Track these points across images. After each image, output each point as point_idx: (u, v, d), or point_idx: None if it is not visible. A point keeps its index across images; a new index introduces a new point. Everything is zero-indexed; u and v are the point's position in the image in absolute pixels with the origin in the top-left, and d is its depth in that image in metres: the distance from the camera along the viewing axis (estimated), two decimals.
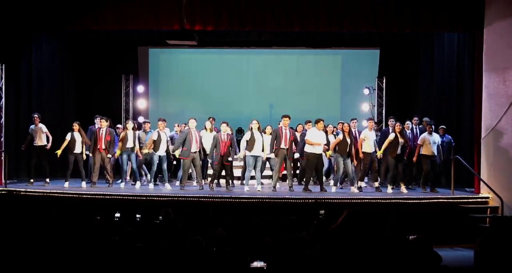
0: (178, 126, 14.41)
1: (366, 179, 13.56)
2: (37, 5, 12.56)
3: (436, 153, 12.64)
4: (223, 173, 12.99)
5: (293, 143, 12.86)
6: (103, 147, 13.03)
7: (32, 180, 13.12)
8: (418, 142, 12.74)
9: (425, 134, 12.71)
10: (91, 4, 12.57)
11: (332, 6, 12.44)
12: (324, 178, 13.47)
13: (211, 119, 14.06)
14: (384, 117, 16.09)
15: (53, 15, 12.65)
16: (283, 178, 13.78)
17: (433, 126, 12.74)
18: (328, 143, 12.84)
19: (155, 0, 12.48)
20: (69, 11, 12.59)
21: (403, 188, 12.57)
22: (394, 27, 12.65)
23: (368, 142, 12.78)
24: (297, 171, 14.24)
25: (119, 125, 14.67)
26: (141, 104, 17.10)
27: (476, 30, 12.35)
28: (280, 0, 12.48)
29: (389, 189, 12.53)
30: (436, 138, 12.71)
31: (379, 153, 12.74)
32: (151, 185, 13.11)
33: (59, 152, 13.16)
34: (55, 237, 6.75)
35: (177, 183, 13.73)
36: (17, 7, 12.58)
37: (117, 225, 8.40)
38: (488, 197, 11.85)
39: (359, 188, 12.79)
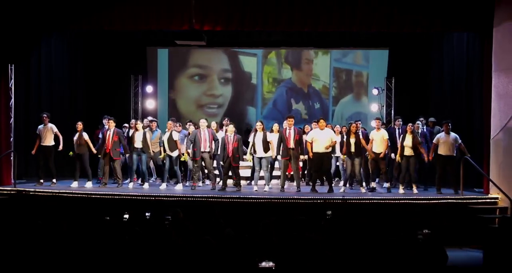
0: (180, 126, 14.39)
1: (377, 179, 13.52)
2: (46, 5, 12.60)
3: (453, 153, 12.44)
4: (230, 173, 13.00)
5: (298, 142, 12.73)
6: (111, 147, 13.09)
7: (41, 181, 13.13)
8: (434, 142, 12.60)
9: (441, 134, 12.56)
10: (100, 4, 12.62)
11: (342, 6, 12.44)
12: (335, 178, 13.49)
13: (226, 119, 14.26)
14: (393, 117, 16.03)
15: (62, 16, 12.71)
16: (291, 179, 13.76)
17: (450, 125, 12.46)
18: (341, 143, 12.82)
19: (164, 0, 12.53)
20: (79, 12, 12.64)
21: (414, 189, 12.49)
22: (404, 28, 12.65)
23: (375, 142, 12.72)
24: (305, 171, 14.23)
25: (126, 125, 14.65)
26: (150, 104, 17.13)
27: (485, 30, 12.27)
28: (290, 0, 12.48)
29: (401, 190, 12.47)
30: (452, 137, 12.42)
31: (398, 158, 12.63)
32: (164, 185, 13.11)
33: (71, 153, 13.26)
34: (66, 237, 6.78)
35: (188, 183, 13.75)
36: (26, 7, 12.62)
37: (127, 225, 8.42)
38: (497, 198, 11.76)
39: (372, 188, 12.77)
